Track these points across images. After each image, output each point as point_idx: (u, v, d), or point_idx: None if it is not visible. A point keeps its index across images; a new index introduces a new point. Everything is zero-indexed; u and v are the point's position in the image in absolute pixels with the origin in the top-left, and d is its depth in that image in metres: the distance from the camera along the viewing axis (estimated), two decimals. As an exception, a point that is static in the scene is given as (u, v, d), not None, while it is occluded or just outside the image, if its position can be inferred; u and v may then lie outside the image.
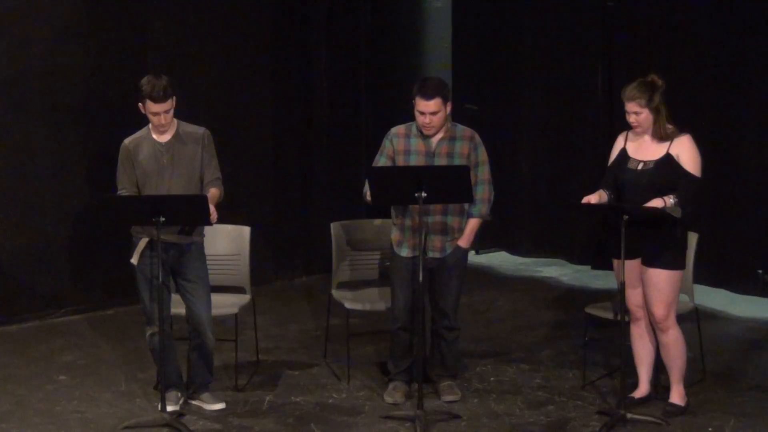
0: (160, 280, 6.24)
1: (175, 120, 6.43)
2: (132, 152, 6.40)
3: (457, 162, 6.54)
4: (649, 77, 6.29)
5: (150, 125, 6.41)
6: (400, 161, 6.59)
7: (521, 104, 10.28)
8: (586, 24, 9.68)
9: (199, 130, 6.48)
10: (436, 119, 6.48)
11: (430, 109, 6.45)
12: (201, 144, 6.43)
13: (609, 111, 9.24)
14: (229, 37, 9.31)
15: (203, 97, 8.98)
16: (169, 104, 6.30)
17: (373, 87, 10.29)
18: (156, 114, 6.28)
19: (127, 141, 6.46)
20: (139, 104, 6.32)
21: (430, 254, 6.53)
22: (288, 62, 9.70)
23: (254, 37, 9.47)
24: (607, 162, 6.51)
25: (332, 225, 7.32)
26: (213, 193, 6.35)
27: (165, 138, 6.40)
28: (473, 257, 10.29)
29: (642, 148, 6.33)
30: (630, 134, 6.41)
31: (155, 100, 6.24)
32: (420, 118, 6.51)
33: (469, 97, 10.48)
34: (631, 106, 6.26)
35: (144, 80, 6.29)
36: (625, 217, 6.09)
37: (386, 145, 6.65)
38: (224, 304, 6.95)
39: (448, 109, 6.54)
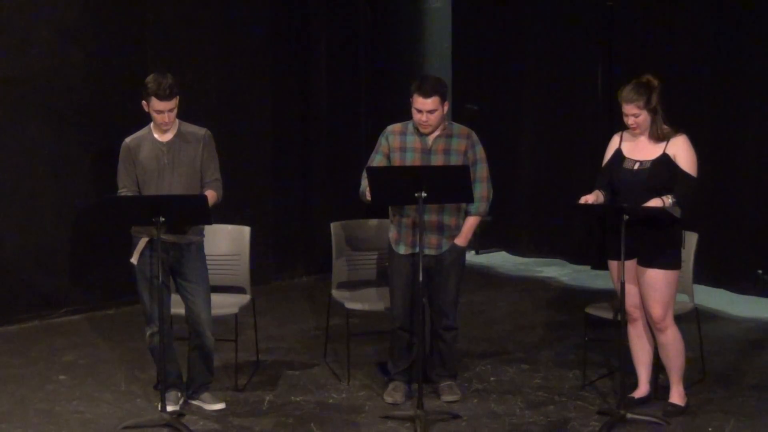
0: (160, 280, 6.25)
1: (177, 120, 6.43)
2: (133, 151, 6.39)
3: (454, 159, 6.54)
4: (644, 77, 6.24)
5: (151, 124, 6.42)
6: (396, 159, 6.59)
7: (521, 104, 10.29)
8: (586, 24, 9.68)
9: (201, 131, 6.48)
10: (434, 117, 6.48)
11: (427, 107, 6.45)
12: (202, 144, 6.43)
13: (609, 111, 9.23)
14: (229, 36, 9.32)
15: (203, 97, 8.98)
16: (174, 103, 6.30)
17: (373, 87, 10.30)
18: (160, 112, 6.28)
19: (128, 140, 6.46)
20: (143, 102, 6.32)
21: (426, 251, 6.52)
22: (288, 62, 9.70)
23: (254, 37, 9.47)
24: (602, 162, 6.50)
25: (332, 225, 7.33)
26: (210, 195, 6.32)
27: (166, 137, 6.40)
28: (473, 257, 10.31)
29: (638, 149, 6.31)
30: (625, 134, 6.39)
31: (160, 98, 6.24)
32: (417, 116, 6.51)
33: (469, 97, 10.49)
34: (629, 109, 6.22)
35: (150, 78, 6.29)
36: (626, 217, 6.08)
37: (382, 143, 6.65)
38: (224, 304, 6.95)
39: (446, 108, 6.54)
